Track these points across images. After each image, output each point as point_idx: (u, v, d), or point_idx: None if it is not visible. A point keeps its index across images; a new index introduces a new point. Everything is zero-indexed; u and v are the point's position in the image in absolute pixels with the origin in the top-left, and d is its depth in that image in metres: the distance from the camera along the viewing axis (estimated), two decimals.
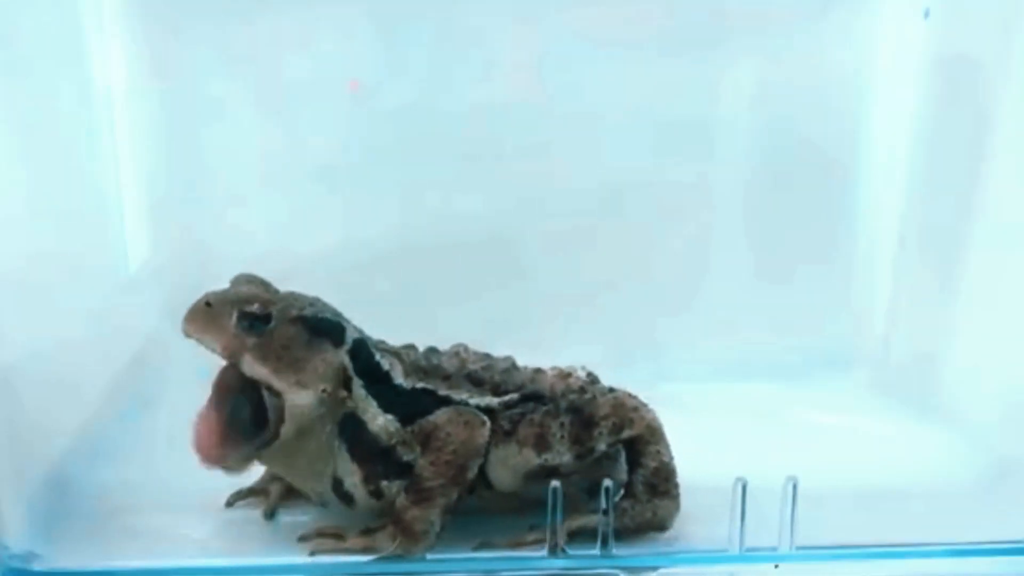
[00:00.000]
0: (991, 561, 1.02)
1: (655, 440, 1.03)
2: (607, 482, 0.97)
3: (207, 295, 0.97)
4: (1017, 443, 1.18)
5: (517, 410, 1.03)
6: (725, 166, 1.43)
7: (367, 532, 1.00)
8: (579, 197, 1.40)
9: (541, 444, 1.01)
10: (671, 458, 1.03)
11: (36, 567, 0.98)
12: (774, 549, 0.99)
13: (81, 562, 1.00)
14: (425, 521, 0.97)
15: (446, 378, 1.03)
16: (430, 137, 1.37)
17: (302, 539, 1.01)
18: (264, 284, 1.01)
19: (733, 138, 1.42)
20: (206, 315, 0.97)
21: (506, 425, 1.02)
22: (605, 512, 0.98)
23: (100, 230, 1.34)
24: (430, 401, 1.01)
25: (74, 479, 1.11)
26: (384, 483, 1.00)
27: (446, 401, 1.01)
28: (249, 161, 1.41)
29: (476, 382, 1.04)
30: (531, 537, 1.00)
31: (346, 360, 0.98)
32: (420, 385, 1.02)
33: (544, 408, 1.02)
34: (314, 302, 1.00)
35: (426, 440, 0.99)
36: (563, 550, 0.98)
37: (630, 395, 1.04)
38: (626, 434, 1.02)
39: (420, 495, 0.97)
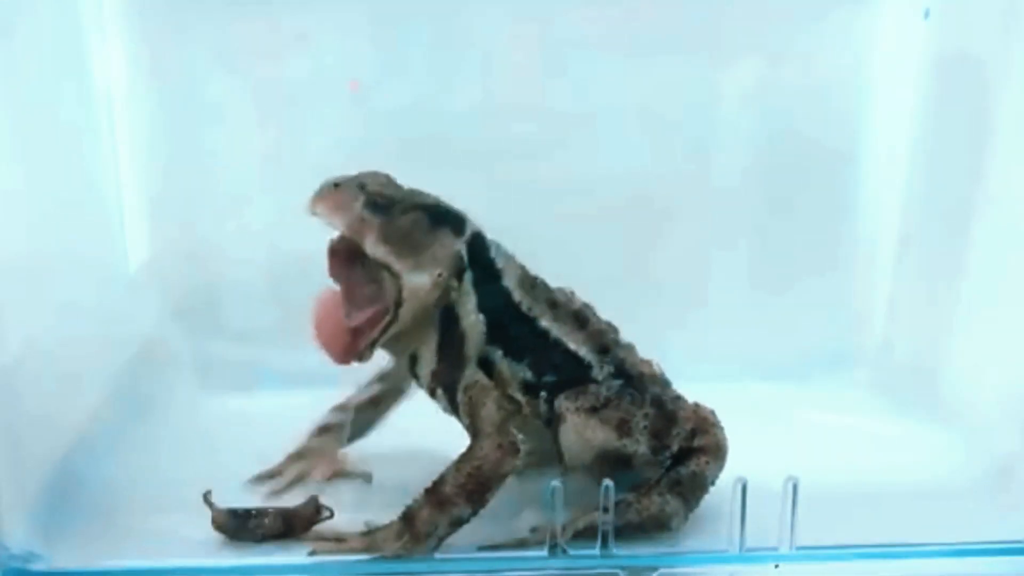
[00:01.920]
0: (991, 561, 1.02)
1: (713, 456, 1.05)
2: (607, 482, 0.98)
3: (335, 178, 1.00)
4: (1017, 443, 1.18)
5: (603, 387, 1.04)
6: (725, 166, 1.43)
7: (368, 533, 1.00)
8: (579, 197, 1.40)
9: (623, 428, 1.02)
10: (715, 476, 1.05)
11: (36, 567, 0.98)
12: (774, 549, 0.99)
13: (81, 562, 1.00)
14: (432, 525, 0.97)
15: (553, 305, 1.05)
16: (430, 137, 1.37)
17: (303, 539, 1.01)
18: (391, 179, 1.04)
19: (733, 138, 1.42)
20: (334, 195, 0.99)
21: (593, 400, 1.03)
22: (606, 510, 0.98)
23: (100, 230, 1.34)
24: (529, 330, 1.03)
25: (74, 479, 1.11)
26: (439, 391, 1.04)
27: (544, 336, 1.03)
28: (249, 161, 1.41)
29: (581, 322, 1.05)
30: (534, 537, 1.00)
31: (463, 250, 1.01)
32: (527, 304, 1.04)
33: (630, 394, 1.04)
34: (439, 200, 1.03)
35: (469, 429, 1.00)
36: (563, 550, 0.98)
37: (711, 410, 1.08)
38: (697, 442, 1.05)
39: (437, 499, 0.97)
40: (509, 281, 1.04)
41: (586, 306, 1.08)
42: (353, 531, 1.01)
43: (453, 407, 1.04)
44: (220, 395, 1.36)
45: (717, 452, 1.06)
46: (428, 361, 1.04)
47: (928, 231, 1.39)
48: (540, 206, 1.38)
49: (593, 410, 1.03)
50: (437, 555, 0.98)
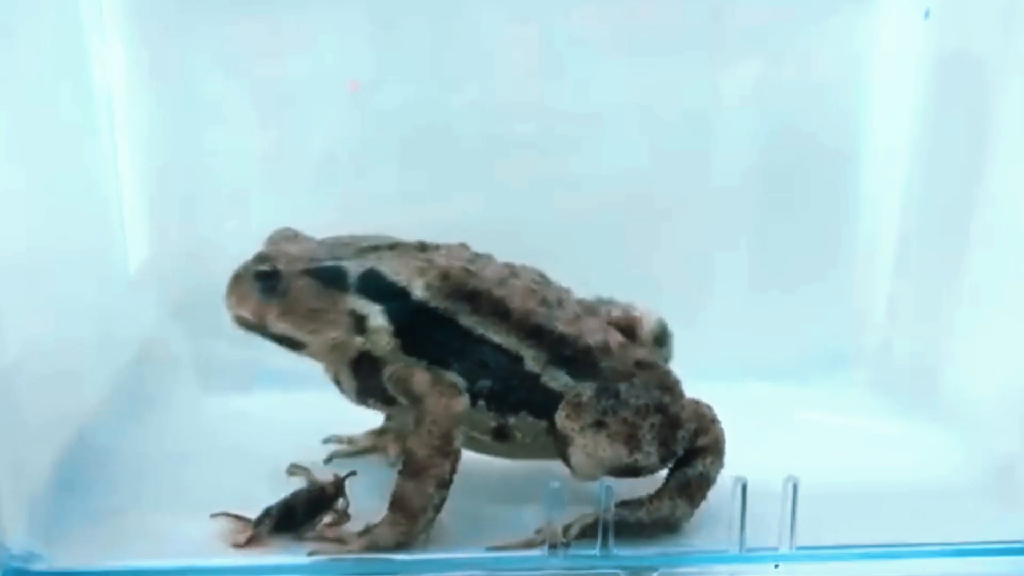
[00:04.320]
0: (991, 561, 1.02)
1: (715, 454, 1.05)
2: (607, 482, 0.98)
3: (238, 267, 1.04)
4: (1017, 443, 1.18)
5: (585, 393, 1.02)
6: (725, 166, 1.43)
7: (365, 532, 1.00)
8: (579, 197, 1.40)
9: (632, 443, 1.01)
10: (718, 473, 1.05)
11: (36, 567, 0.98)
12: (774, 549, 0.99)
13: (81, 562, 1.00)
14: (422, 495, 0.98)
15: (473, 297, 1.03)
16: (430, 137, 1.37)
17: (305, 539, 1.01)
18: (294, 237, 1.07)
19: (734, 138, 1.42)
20: (236, 289, 1.04)
21: (593, 414, 1.01)
22: (607, 510, 0.98)
23: (100, 230, 1.34)
24: (451, 333, 1.03)
25: (74, 479, 1.11)
26: (371, 400, 1.07)
27: (467, 335, 1.03)
28: (249, 161, 1.41)
29: (502, 312, 1.03)
30: (540, 538, 1.00)
31: (355, 302, 1.02)
32: (443, 307, 1.03)
33: (635, 404, 1.02)
34: (345, 242, 1.06)
35: (410, 402, 1.01)
36: (566, 546, 0.98)
37: (708, 405, 1.07)
38: (700, 442, 1.05)
39: (413, 470, 0.98)
40: (419, 291, 1.03)
41: (513, 276, 1.06)
42: (352, 532, 1.01)
43: (390, 403, 1.06)
44: (220, 395, 1.36)
45: (717, 450, 1.05)
46: (348, 381, 1.07)
47: (928, 231, 1.39)
48: (540, 206, 1.38)
49: (598, 425, 1.01)
50: (437, 555, 0.99)
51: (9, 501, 0.99)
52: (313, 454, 1.19)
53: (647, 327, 1.12)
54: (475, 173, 1.38)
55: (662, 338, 1.13)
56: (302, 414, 1.28)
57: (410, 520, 0.98)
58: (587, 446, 1.01)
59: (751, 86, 1.41)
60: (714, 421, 1.07)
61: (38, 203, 1.11)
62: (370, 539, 0.99)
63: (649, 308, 1.13)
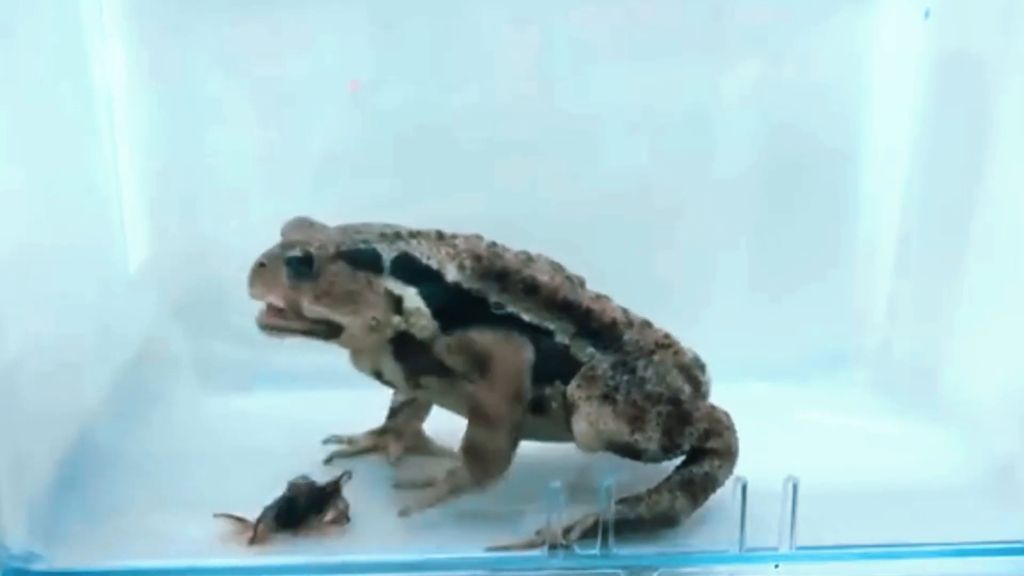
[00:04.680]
0: (991, 561, 1.02)
1: (725, 459, 1.05)
2: (607, 481, 0.98)
3: (261, 256, 1.04)
4: (1017, 443, 1.18)
5: (600, 368, 1.05)
6: (725, 166, 1.43)
7: (451, 473, 1.04)
8: (579, 198, 1.40)
9: (636, 423, 1.03)
10: (725, 478, 1.05)
11: (36, 567, 0.98)
12: (774, 549, 0.99)
13: (81, 562, 1.00)
14: (494, 442, 1.01)
15: (503, 277, 1.05)
16: (430, 137, 1.37)
17: (397, 486, 1.09)
18: (310, 225, 1.07)
19: (733, 138, 1.42)
20: (262, 275, 1.03)
21: (603, 388, 1.04)
22: (606, 511, 0.98)
23: (100, 229, 1.34)
24: (484, 311, 1.05)
25: (74, 479, 1.11)
26: (424, 378, 1.07)
27: (498, 312, 1.05)
28: (249, 161, 1.41)
29: (531, 288, 1.05)
30: (541, 538, 1.00)
31: (390, 283, 1.03)
32: (475, 288, 1.05)
33: (649, 389, 1.04)
34: (360, 229, 1.06)
35: (474, 362, 1.03)
36: (566, 546, 0.98)
37: (726, 413, 1.08)
38: (710, 444, 1.05)
39: (486, 419, 1.02)
40: (452, 273, 1.05)
41: (531, 261, 1.08)
42: (437, 477, 1.05)
43: (448, 379, 1.06)
44: (220, 395, 1.36)
45: (728, 455, 1.06)
46: (393, 371, 1.08)
47: (928, 231, 1.39)
48: (540, 207, 1.38)
49: (605, 398, 1.03)
50: (437, 555, 0.99)
51: (9, 501, 0.99)
52: (313, 454, 1.20)
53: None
54: (475, 173, 1.38)
55: (699, 372, 1.13)
56: (302, 414, 1.28)
57: (488, 464, 1.02)
58: (590, 415, 1.03)
59: (751, 86, 1.41)
60: (729, 428, 1.07)
61: (38, 203, 1.11)
62: (453, 482, 1.03)
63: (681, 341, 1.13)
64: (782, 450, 1.08)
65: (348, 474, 1.06)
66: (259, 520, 1.01)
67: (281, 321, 1.04)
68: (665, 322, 1.11)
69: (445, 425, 1.21)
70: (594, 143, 1.40)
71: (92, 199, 1.32)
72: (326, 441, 1.22)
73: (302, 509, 1.02)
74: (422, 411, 1.22)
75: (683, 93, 1.39)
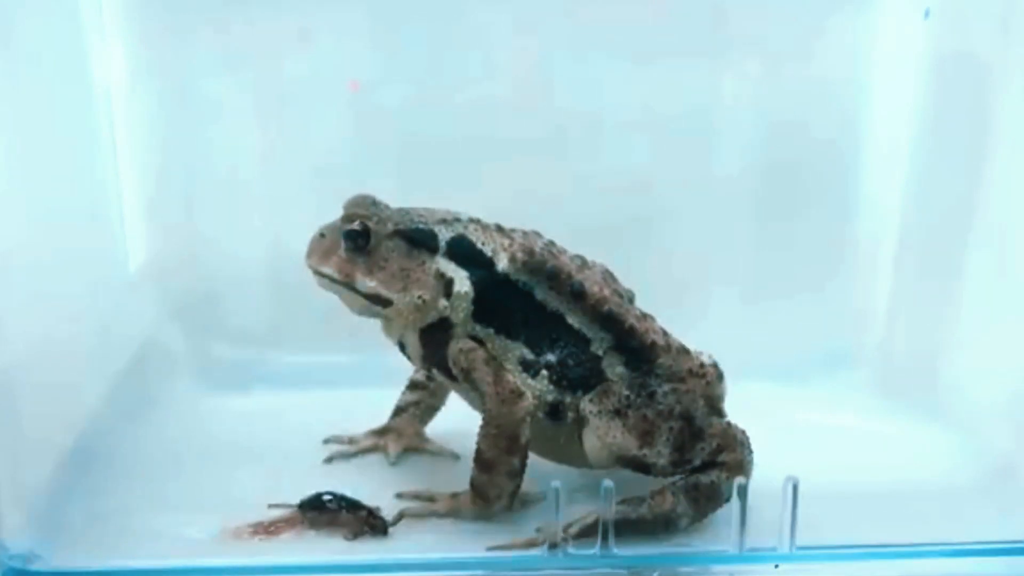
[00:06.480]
0: (991, 561, 1.02)
1: (736, 473, 1.04)
2: (607, 482, 0.98)
3: (321, 227, 1.07)
4: (1017, 443, 1.18)
5: (620, 385, 1.05)
6: (725, 166, 1.43)
7: (454, 496, 1.05)
8: (579, 198, 1.40)
9: (646, 439, 1.03)
10: (730, 494, 1.03)
11: (36, 567, 0.98)
12: (774, 549, 0.99)
13: (81, 562, 1.00)
14: (495, 486, 1.03)
15: (553, 276, 1.06)
16: (430, 137, 1.37)
17: (399, 496, 1.08)
18: (373, 203, 1.08)
19: (734, 138, 1.42)
20: (320, 246, 1.07)
21: (616, 402, 1.04)
22: (607, 511, 0.98)
23: (100, 230, 1.34)
24: (525, 306, 1.06)
25: (74, 479, 1.11)
26: (434, 370, 1.10)
27: (540, 310, 1.05)
28: (249, 161, 1.41)
29: (578, 294, 1.06)
30: (541, 537, 1.00)
31: (443, 264, 1.05)
32: (523, 281, 1.06)
33: (661, 406, 1.04)
34: (422, 213, 1.08)
35: (471, 384, 1.05)
36: (566, 544, 0.98)
37: (743, 431, 1.08)
38: (721, 458, 1.05)
39: (483, 465, 1.03)
40: (503, 263, 1.06)
41: (585, 267, 1.09)
42: (443, 492, 1.07)
43: (451, 379, 1.08)
44: (220, 395, 1.37)
45: (739, 471, 1.05)
46: (414, 347, 1.09)
47: (928, 231, 1.39)
48: (540, 207, 1.37)
49: (617, 413, 1.04)
50: (438, 555, 0.99)
51: (9, 501, 0.99)
52: (313, 454, 1.20)
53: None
54: (475, 173, 1.38)
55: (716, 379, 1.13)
56: (302, 414, 1.28)
57: (485, 503, 1.04)
58: (599, 428, 1.04)
59: (752, 86, 1.41)
60: (743, 445, 1.07)
61: (38, 203, 1.11)
62: (455, 503, 1.05)
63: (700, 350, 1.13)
64: (782, 450, 1.08)
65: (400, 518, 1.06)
66: (302, 504, 1.04)
67: (335, 280, 1.06)
68: (665, 321, 1.11)
69: (445, 425, 1.22)
70: (595, 143, 1.40)
71: (92, 199, 1.32)
72: (326, 441, 1.22)
73: (343, 510, 1.04)
74: (427, 413, 1.23)
75: (684, 93, 1.39)
